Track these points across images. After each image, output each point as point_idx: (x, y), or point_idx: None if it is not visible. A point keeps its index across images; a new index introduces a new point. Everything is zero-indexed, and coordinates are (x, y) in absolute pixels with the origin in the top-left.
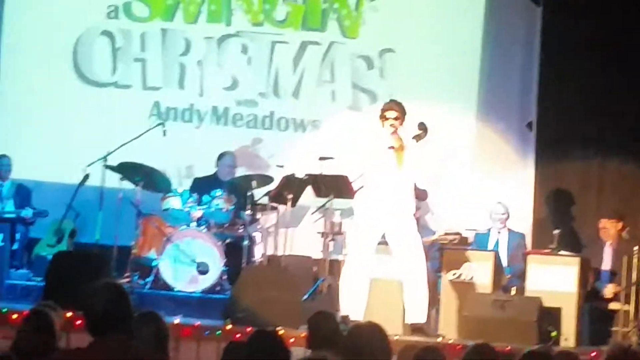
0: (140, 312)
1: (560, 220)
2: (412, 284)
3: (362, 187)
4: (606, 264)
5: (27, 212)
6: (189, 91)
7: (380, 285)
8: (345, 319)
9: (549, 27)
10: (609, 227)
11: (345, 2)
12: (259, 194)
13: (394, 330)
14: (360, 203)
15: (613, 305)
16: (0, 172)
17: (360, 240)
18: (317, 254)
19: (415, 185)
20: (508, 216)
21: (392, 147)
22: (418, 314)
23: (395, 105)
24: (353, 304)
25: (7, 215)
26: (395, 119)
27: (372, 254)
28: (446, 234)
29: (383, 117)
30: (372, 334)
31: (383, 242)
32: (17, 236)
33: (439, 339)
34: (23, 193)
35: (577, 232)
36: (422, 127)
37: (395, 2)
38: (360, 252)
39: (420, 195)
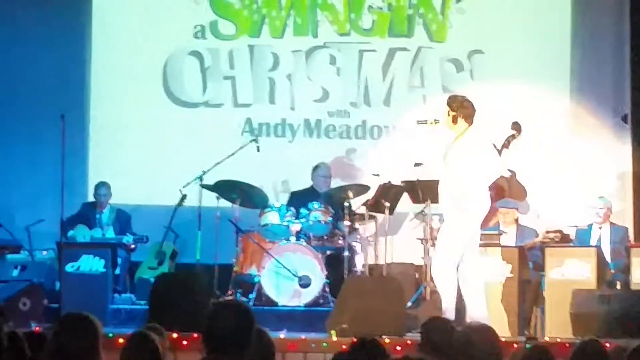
0: None
1: None
2: None
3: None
4: None
5: (127, 239)
6: (280, 105)
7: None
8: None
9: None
10: None
11: (430, 6)
12: (357, 203)
13: (501, 332)
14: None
15: None
16: (99, 200)
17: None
18: (418, 261)
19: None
20: (609, 211)
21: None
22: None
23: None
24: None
25: (108, 242)
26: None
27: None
28: (547, 232)
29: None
30: (483, 335)
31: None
32: (119, 261)
33: (546, 338)
34: (123, 219)
35: None
36: (516, 126)
37: (481, 2)
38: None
39: (520, 194)
